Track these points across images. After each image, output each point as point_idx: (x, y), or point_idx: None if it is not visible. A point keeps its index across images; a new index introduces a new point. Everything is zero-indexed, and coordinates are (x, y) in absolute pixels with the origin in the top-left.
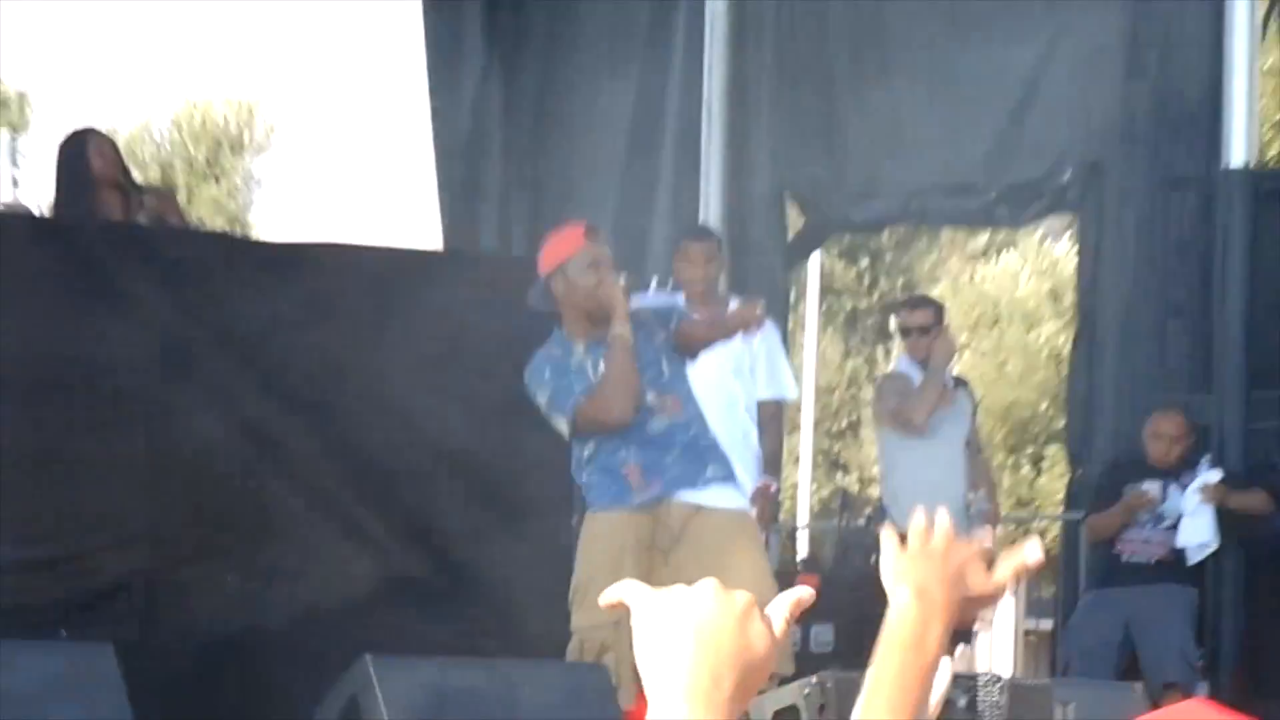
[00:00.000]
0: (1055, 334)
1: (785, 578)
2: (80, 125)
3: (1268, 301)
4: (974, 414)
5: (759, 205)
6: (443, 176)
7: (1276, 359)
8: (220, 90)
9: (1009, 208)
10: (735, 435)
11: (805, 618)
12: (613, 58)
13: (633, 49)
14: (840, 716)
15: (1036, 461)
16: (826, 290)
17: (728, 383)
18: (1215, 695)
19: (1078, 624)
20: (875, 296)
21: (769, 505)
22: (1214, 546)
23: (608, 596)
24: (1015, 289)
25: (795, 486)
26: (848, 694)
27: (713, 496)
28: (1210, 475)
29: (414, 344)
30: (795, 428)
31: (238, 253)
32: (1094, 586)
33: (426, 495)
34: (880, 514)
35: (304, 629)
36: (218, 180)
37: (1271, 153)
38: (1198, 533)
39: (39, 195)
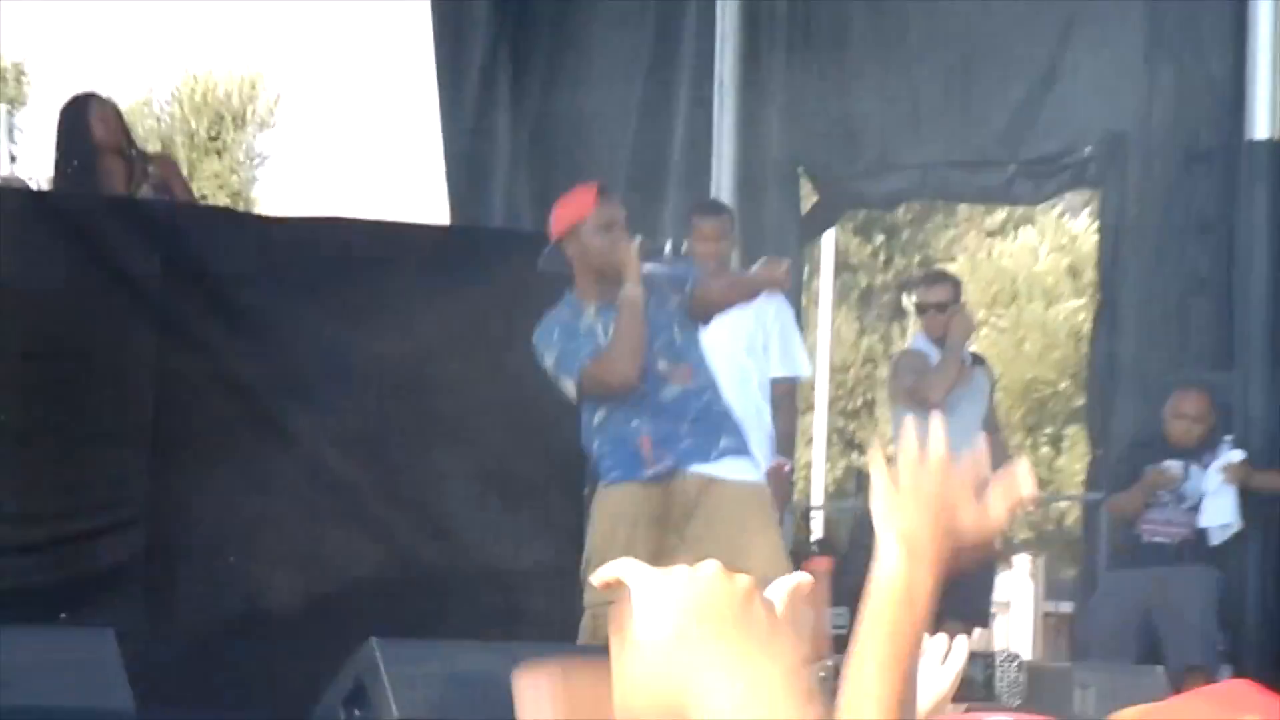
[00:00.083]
0: (1075, 311)
1: (799, 559)
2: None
3: None
4: (991, 392)
5: (772, 179)
6: (450, 153)
7: None
8: (222, 63)
9: (1029, 183)
10: (749, 414)
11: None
12: (624, 31)
13: (644, 21)
14: None
15: (1056, 441)
16: (841, 267)
17: (740, 360)
18: (1239, 679)
19: (1098, 606)
20: (891, 273)
21: (783, 485)
22: (1237, 528)
23: (602, 575)
24: (1034, 265)
25: (809, 466)
26: None
27: (726, 468)
28: (1233, 455)
29: (420, 322)
30: (809, 407)
31: (240, 228)
32: (1115, 568)
33: (433, 477)
34: None
35: (309, 613)
36: (220, 155)
37: None
38: (1220, 513)
39: (36, 170)
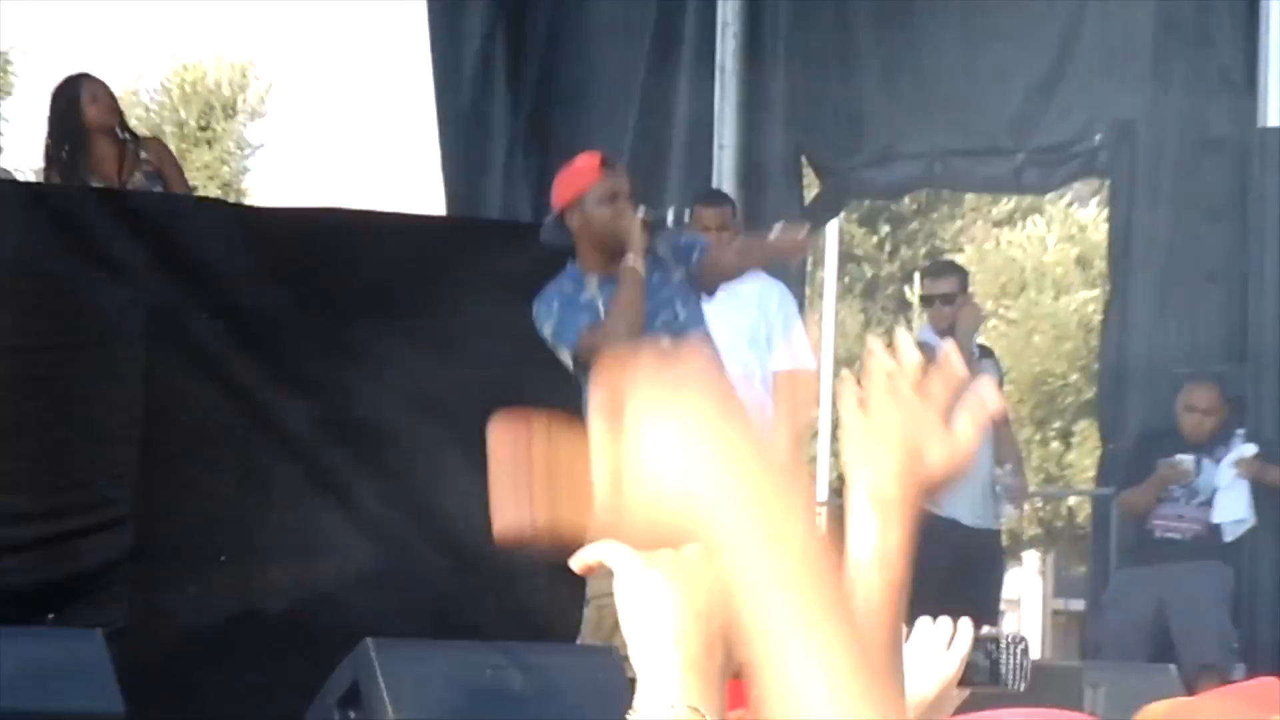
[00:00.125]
0: (1085, 302)
1: None
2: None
3: None
4: (1000, 386)
5: (774, 168)
6: (445, 142)
7: None
8: (212, 51)
9: (1037, 171)
10: (750, 407)
11: None
12: (623, 17)
13: (644, 7)
14: None
15: (1066, 436)
16: (845, 258)
17: (742, 353)
18: (1253, 677)
19: (1109, 604)
20: (896, 264)
21: None
22: (1250, 523)
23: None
24: (1042, 255)
25: (814, 461)
26: None
27: None
28: (1245, 449)
29: (418, 314)
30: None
31: (231, 219)
32: (1126, 565)
33: (429, 472)
34: None
35: (302, 612)
36: (210, 145)
37: None
38: (1233, 509)
39: (22, 160)
